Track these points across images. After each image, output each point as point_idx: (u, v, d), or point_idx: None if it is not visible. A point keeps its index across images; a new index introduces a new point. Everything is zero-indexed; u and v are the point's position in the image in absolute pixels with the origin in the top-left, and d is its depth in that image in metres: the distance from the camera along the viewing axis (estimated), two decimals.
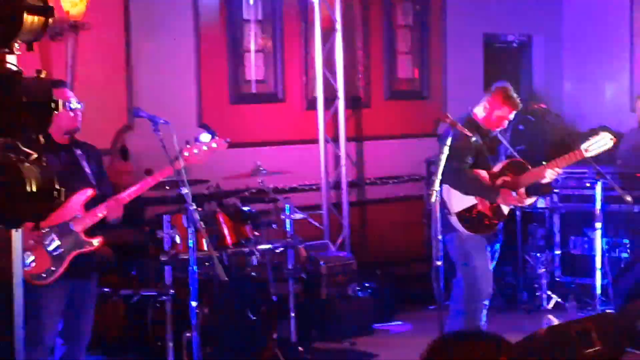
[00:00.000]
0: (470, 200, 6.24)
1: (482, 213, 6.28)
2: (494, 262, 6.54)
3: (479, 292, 6.32)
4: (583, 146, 6.17)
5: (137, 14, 7.65)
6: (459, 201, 6.22)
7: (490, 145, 6.40)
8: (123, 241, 6.42)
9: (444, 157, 5.67)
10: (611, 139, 6.17)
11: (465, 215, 6.24)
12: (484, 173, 6.32)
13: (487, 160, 6.36)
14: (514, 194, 6.29)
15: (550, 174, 6.23)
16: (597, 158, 6.32)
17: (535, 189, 6.49)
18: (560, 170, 6.28)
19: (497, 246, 6.55)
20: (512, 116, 6.38)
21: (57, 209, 4.97)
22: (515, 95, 6.36)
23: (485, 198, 6.26)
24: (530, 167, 6.33)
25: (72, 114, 5.14)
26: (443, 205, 6.01)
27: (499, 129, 6.42)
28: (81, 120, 5.20)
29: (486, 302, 6.38)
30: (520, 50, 10.79)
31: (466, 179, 6.20)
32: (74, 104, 5.14)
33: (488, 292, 6.37)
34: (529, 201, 6.47)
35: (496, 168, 6.38)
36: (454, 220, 6.22)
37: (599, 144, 6.17)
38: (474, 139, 6.14)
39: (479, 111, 6.36)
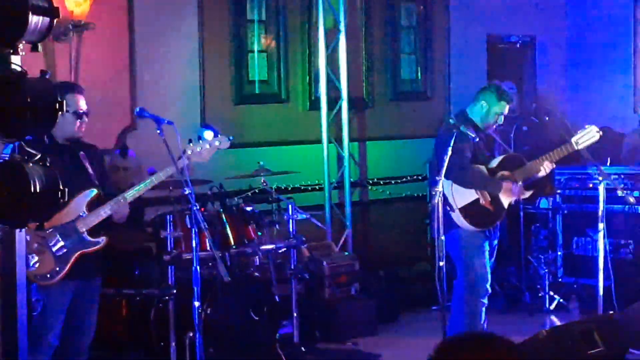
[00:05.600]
0: (472, 195, 6.42)
1: (484, 207, 6.45)
2: (492, 259, 6.68)
3: (478, 290, 6.49)
4: (573, 139, 6.54)
5: (141, 14, 7.63)
6: (462, 196, 6.38)
7: (486, 143, 6.63)
8: (126, 240, 6.43)
9: (446, 157, 5.93)
10: (597, 131, 6.56)
11: (469, 210, 6.39)
12: (483, 168, 6.51)
13: (484, 157, 6.58)
14: (515, 185, 6.43)
15: (544, 168, 6.52)
16: (595, 155, 6.59)
17: (539, 190, 6.67)
18: (553, 164, 6.54)
19: (495, 242, 6.71)
20: (507, 111, 6.60)
21: (61, 209, 4.99)
22: (507, 90, 6.72)
23: (488, 190, 6.46)
24: (525, 161, 6.56)
25: (78, 122, 5.17)
26: (445, 202, 6.16)
27: (495, 125, 6.62)
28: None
29: (485, 301, 6.51)
30: (524, 51, 10.78)
31: (469, 173, 6.41)
32: (83, 110, 5.17)
33: (486, 289, 6.51)
34: (528, 193, 6.66)
35: (493, 164, 6.59)
36: (457, 215, 6.37)
37: (587, 136, 6.55)
38: (473, 135, 6.33)
39: (476, 110, 6.58)
